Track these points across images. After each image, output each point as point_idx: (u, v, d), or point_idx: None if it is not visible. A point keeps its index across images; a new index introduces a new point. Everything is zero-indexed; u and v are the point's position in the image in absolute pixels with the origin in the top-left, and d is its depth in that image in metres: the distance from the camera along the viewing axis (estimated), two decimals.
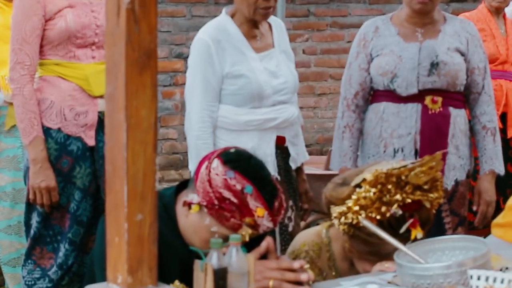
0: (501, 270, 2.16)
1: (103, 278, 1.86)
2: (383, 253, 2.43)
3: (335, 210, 2.46)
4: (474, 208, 3.56)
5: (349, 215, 2.40)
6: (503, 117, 4.88)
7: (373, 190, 2.37)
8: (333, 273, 2.64)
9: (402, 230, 2.38)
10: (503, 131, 4.87)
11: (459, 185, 3.46)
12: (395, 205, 2.37)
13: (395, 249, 2.26)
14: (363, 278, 2.36)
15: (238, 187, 2.20)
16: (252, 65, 3.22)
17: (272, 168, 3.22)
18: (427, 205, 2.41)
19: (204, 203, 2.22)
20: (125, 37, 1.67)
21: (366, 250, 2.48)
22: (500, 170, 3.53)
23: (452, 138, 3.42)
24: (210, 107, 3.20)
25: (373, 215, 2.38)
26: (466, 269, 2.04)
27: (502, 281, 1.97)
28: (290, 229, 3.26)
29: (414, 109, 3.39)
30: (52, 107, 3.25)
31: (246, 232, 2.20)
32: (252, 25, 3.26)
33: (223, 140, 3.21)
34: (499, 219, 2.73)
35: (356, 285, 2.26)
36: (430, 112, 3.39)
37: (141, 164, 1.71)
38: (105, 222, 1.78)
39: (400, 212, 2.38)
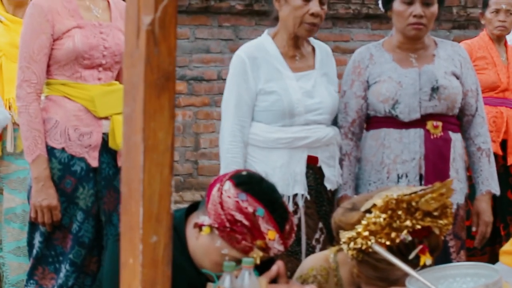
0: None
1: None
2: (391, 279, 2.43)
3: (344, 235, 2.45)
4: (473, 229, 3.57)
5: (359, 240, 2.40)
6: (503, 144, 4.89)
7: (383, 215, 2.36)
8: None
9: (411, 256, 2.38)
10: (504, 158, 4.87)
11: (459, 208, 3.47)
12: (405, 231, 2.37)
13: (404, 274, 2.25)
14: None
15: (250, 209, 2.20)
16: (287, 83, 3.26)
17: (301, 187, 3.24)
18: (437, 231, 2.41)
19: (216, 225, 2.22)
20: (144, 59, 1.66)
21: (375, 276, 2.46)
22: (496, 190, 3.55)
23: (453, 162, 3.44)
24: (241, 122, 3.24)
25: (383, 240, 2.37)
26: None
27: None
28: (316, 251, 3.23)
29: (417, 134, 3.40)
30: (57, 126, 3.24)
31: (257, 255, 2.20)
32: (293, 45, 3.31)
33: (254, 157, 3.25)
34: (507, 246, 2.72)
35: None
36: (432, 137, 3.40)
37: (157, 186, 1.70)
38: (115, 243, 1.77)
39: (410, 238, 2.37)
